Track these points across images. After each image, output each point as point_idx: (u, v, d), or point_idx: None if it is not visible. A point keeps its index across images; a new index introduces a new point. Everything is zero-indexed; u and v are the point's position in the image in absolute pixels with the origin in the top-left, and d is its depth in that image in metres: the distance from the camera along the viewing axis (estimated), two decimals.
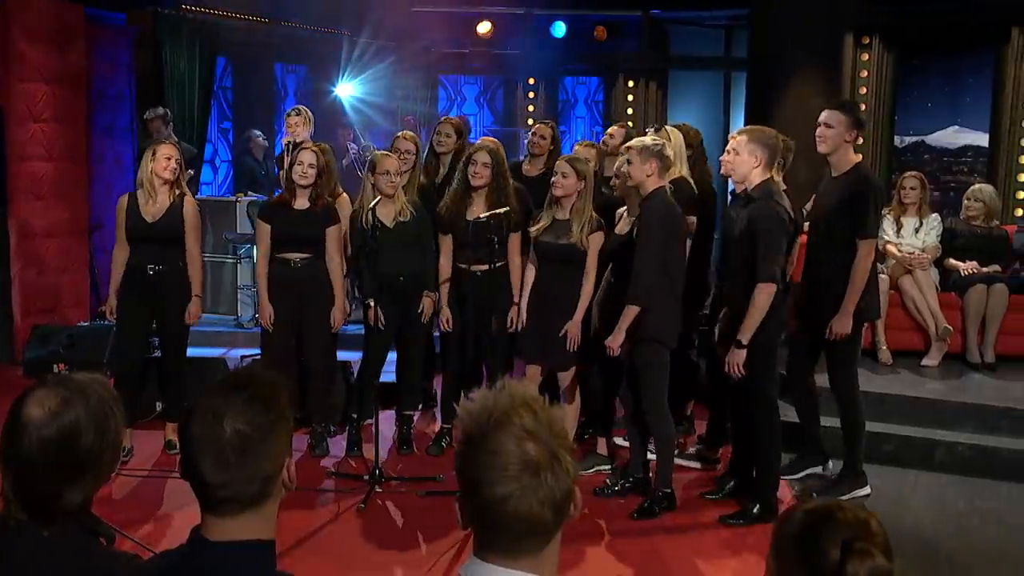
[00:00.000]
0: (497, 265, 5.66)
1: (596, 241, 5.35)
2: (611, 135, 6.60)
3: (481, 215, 5.53)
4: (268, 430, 1.73)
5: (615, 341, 4.99)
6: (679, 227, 5.04)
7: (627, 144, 5.01)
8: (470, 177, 5.69)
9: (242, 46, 10.01)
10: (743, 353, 4.77)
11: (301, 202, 5.79)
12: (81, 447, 1.95)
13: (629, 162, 4.95)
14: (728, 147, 5.00)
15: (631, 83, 12.09)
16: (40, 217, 7.85)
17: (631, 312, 4.94)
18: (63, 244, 8.07)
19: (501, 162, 5.76)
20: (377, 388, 5.84)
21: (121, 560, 2.05)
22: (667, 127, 5.89)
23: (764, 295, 4.71)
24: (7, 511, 1.96)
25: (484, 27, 11.52)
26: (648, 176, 4.95)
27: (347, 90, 11.04)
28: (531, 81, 12.28)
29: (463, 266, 5.84)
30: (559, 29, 11.73)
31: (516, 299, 5.71)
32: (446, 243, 5.87)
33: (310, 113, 7.08)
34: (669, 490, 5.12)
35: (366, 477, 5.42)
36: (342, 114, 10.90)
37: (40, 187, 7.82)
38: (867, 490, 5.33)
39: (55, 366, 6.66)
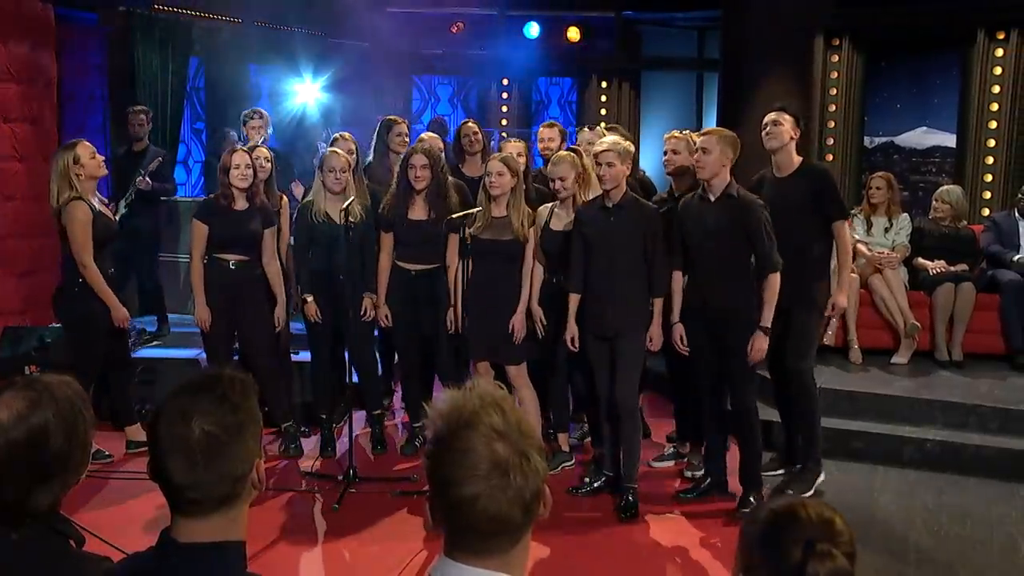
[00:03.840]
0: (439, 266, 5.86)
1: (534, 234, 5.49)
2: (551, 139, 6.60)
3: (454, 215, 5.57)
4: (237, 431, 1.74)
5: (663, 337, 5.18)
6: None
7: (607, 148, 5.09)
8: (411, 181, 5.75)
9: (215, 46, 9.94)
10: (766, 339, 4.97)
11: (240, 203, 5.80)
12: (50, 449, 1.95)
13: (610, 164, 5.03)
14: (697, 146, 5.08)
15: (604, 84, 12.12)
16: (11, 218, 7.77)
17: (660, 304, 5.15)
18: (35, 245, 7.99)
19: (438, 160, 5.86)
20: (352, 388, 5.85)
21: (91, 562, 2.04)
22: (603, 127, 6.15)
23: (777, 282, 4.96)
24: None
25: (458, 28, 11.51)
26: (624, 176, 5.12)
27: (320, 91, 11.00)
28: (505, 82, 12.28)
29: (405, 266, 5.90)
30: (532, 30, 11.74)
31: (452, 300, 5.77)
32: (387, 241, 5.94)
33: (267, 115, 7.16)
34: (635, 486, 5.18)
35: (340, 477, 5.42)
36: (315, 115, 10.86)
37: (11, 188, 7.75)
38: (822, 476, 5.46)
39: (27, 368, 6.60)
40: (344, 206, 5.50)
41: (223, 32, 9.73)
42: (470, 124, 6.79)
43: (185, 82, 9.71)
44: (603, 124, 6.72)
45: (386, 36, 10.65)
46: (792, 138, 5.31)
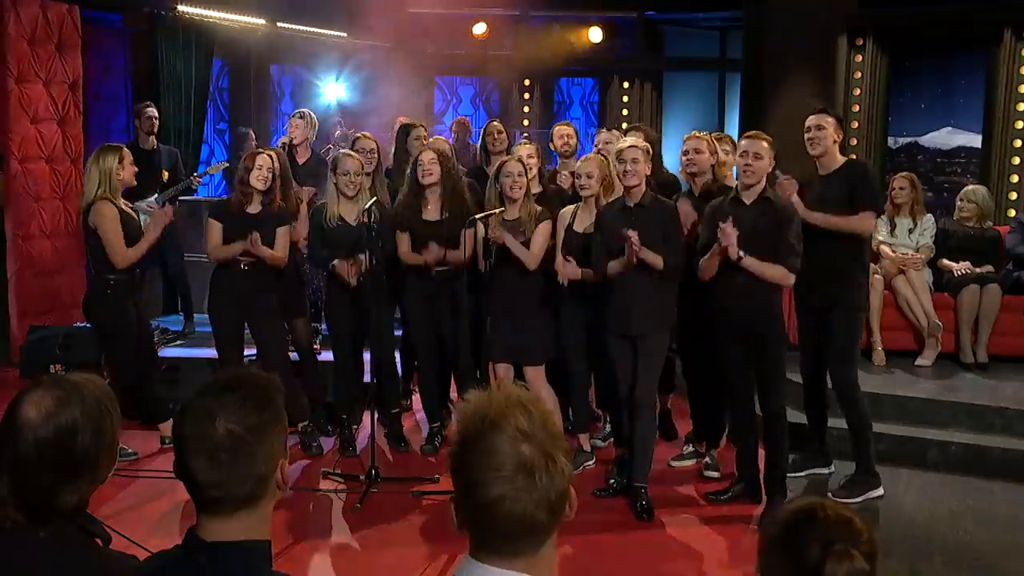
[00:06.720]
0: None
1: (544, 227, 5.48)
2: (570, 136, 6.76)
3: (476, 216, 5.58)
4: (261, 430, 1.74)
5: (649, 256, 4.98)
6: None
7: (632, 144, 5.12)
8: (420, 177, 5.75)
9: (239, 48, 10.01)
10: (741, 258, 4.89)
11: (254, 206, 5.79)
12: (77, 447, 1.96)
13: (635, 160, 5.05)
14: (746, 150, 5.01)
15: (626, 84, 12.10)
16: (37, 218, 7.86)
17: (660, 263, 4.97)
18: (60, 245, 8.07)
19: (447, 159, 5.87)
20: (367, 387, 5.86)
21: (117, 560, 2.06)
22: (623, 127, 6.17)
23: (782, 272, 4.92)
24: (3, 512, 1.96)
25: (480, 28, 11.53)
26: (645, 175, 5.13)
27: (342, 92, 11.04)
28: (527, 82, 12.28)
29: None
30: (554, 30, 11.75)
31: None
32: (404, 240, 5.91)
33: (314, 118, 7.17)
34: (644, 485, 5.15)
35: (362, 477, 5.43)
36: (337, 115, 10.91)
37: (37, 188, 7.83)
38: (880, 491, 5.35)
39: (52, 367, 6.66)
40: (367, 206, 5.50)
41: (246, 34, 9.79)
42: (494, 124, 6.86)
43: (208, 83, 9.78)
44: (625, 124, 6.76)
45: (408, 37, 10.68)
46: (835, 141, 5.31)
